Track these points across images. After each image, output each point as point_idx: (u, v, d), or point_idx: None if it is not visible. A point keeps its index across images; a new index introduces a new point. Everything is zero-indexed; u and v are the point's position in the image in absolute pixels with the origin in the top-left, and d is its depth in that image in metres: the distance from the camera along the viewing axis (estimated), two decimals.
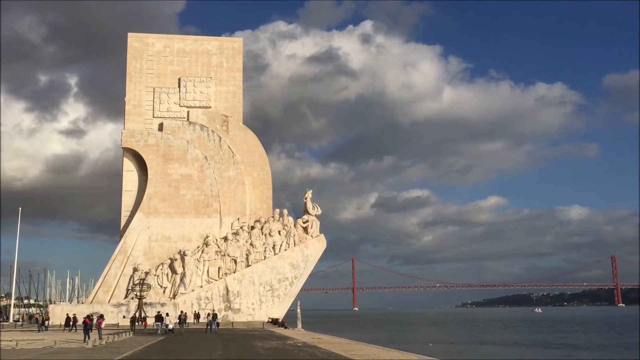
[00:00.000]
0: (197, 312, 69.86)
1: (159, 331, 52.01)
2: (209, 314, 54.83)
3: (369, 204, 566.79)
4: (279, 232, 78.18)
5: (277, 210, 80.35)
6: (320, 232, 79.80)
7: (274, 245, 77.35)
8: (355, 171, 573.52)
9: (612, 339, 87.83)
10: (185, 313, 65.32)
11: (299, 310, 68.66)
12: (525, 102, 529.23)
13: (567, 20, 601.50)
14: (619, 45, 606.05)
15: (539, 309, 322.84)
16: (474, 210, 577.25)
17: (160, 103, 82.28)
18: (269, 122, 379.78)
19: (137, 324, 58.92)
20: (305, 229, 79.13)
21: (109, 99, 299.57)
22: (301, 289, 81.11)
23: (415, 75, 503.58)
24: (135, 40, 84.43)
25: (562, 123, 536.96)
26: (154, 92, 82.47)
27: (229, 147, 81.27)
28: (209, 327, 52.02)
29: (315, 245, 78.99)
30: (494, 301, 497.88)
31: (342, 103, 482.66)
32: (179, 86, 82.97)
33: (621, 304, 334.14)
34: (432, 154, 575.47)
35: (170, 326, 52.00)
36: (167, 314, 57.81)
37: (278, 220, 79.04)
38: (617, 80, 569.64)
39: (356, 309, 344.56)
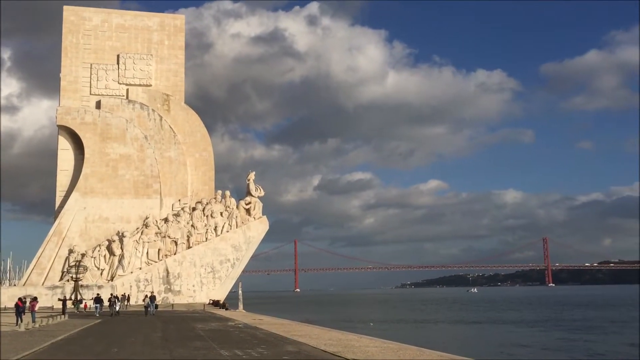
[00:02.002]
0: (126, 294, 66.71)
1: (97, 313, 50.86)
2: (146, 296, 53.64)
3: (312, 187, 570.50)
4: (221, 213, 77.52)
5: (220, 192, 79.62)
6: (263, 214, 79.62)
7: (215, 227, 76.65)
8: (299, 153, 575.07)
9: (545, 315, 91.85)
10: (123, 294, 63.95)
11: (240, 291, 68.50)
12: (467, 88, 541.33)
13: (508, 8, 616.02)
14: (556, 35, 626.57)
15: (475, 289, 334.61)
16: (415, 193, 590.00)
17: (98, 80, 79.72)
18: (213, 103, 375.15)
19: (78, 307, 57.72)
20: (248, 211, 78.75)
21: (44, 74, 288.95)
22: (243, 271, 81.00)
23: (360, 59, 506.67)
24: (71, 14, 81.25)
25: (501, 109, 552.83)
26: (91, 68, 79.83)
27: (170, 127, 79.68)
28: (146, 309, 51.05)
29: (258, 227, 78.78)
30: (432, 282, 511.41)
31: (287, 85, 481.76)
32: (118, 63, 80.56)
33: (551, 284, 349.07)
34: (375, 138, 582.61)
35: (117, 308, 50.74)
36: (116, 297, 55.21)
37: (220, 202, 78.33)
38: (553, 69, 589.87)
39: (298, 290, 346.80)
